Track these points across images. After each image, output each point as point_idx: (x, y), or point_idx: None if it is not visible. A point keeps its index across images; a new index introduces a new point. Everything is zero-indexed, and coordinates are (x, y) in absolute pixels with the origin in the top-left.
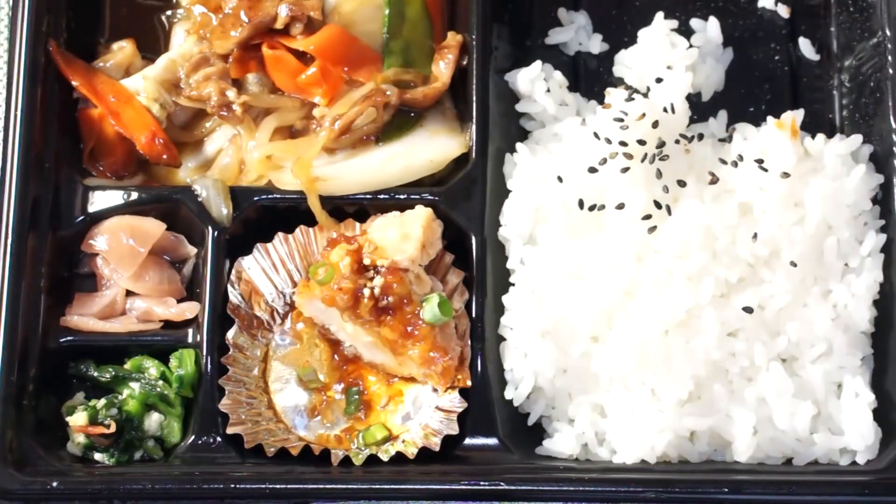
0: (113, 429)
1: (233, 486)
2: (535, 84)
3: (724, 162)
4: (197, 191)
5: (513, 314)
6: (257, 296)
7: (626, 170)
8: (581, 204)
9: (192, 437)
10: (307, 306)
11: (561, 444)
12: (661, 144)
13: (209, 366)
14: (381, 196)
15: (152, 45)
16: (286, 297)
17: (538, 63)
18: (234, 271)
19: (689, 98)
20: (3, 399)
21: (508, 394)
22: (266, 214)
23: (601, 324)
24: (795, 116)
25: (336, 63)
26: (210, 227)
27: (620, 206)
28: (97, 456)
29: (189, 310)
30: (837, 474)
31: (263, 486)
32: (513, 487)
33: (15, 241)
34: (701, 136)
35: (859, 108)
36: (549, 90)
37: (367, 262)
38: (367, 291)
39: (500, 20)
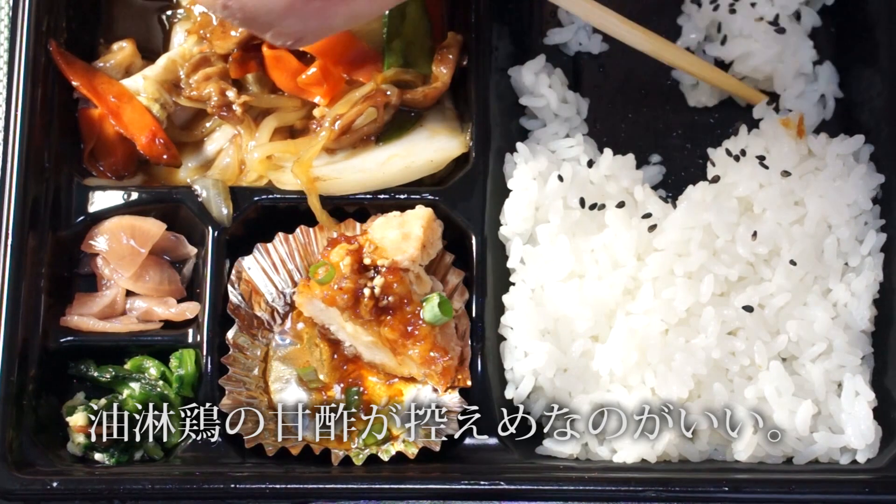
0: (113, 429)
1: (233, 485)
2: (539, 77)
3: (729, 153)
4: (197, 191)
5: (513, 314)
6: (257, 296)
7: None
8: (582, 202)
9: (193, 437)
10: (307, 306)
11: (561, 443)
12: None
13: (209, 366)
14: (382, 196)
15: (152, 45)
16: (286, 297)
17: (542, 57)
18: (234, 271)
19: None
20: (3, 399)
21: (509, 393)
22: (266, 214)
23: (601, 323)
24: (803, 115)
25: (336, 63)
26: (210, 227)
27: (621, 205)
28: (97, 456)
29: (189, 310)
30: (838, 473)
31: (264, 485)
32: (513, 487)
33: (15, 241)
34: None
35: (860, 107)
36: (550, 86)
37: (367, 261)
38: (367, 291)
39: (500, 20)
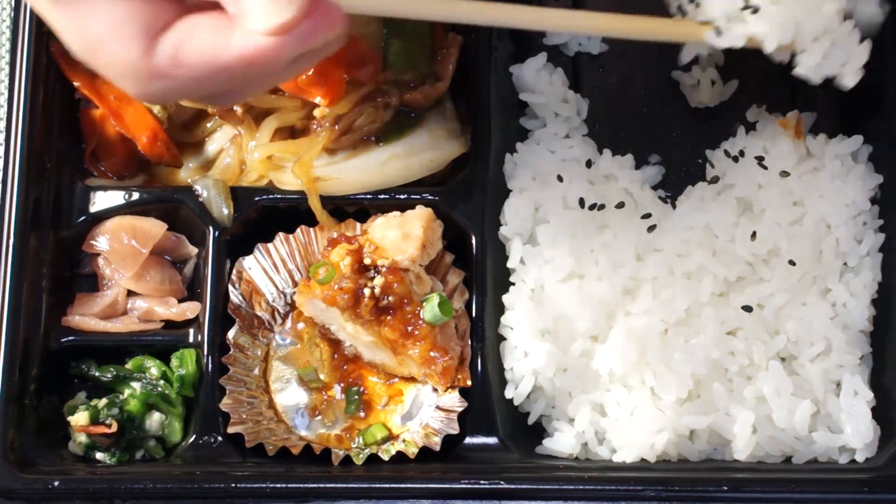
0: (114, 428)
1: (234, 485)
2: (540, 74)
3: (727, 154)
4: (198, 191)
5: (513, 314)
6: (258, 295)
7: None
8: (582, 203)
9: (194, 436)
10: (308, 306)
11: (561, 443)
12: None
13: (210, 365)
14: (382, 196)
15: None
16: (287, 297)
17: (543, 54)
18: (234, 271)
19: None
20: (4, 399)
21: (508, 393)
22: (267, 214)
23: (601, 323)
24: (801, 116)
25: (336, 63)
26: (211, 227)
27: (620, 205)
28: (98, 455)
29: (190, 310)
30: (836, 472)
31: (264, 485)
32: (513, 486)
33: (16, 241)
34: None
35: (859, 107)
36: (551, 83)
37: (367, 261)
38: (367, 291)
39: None
